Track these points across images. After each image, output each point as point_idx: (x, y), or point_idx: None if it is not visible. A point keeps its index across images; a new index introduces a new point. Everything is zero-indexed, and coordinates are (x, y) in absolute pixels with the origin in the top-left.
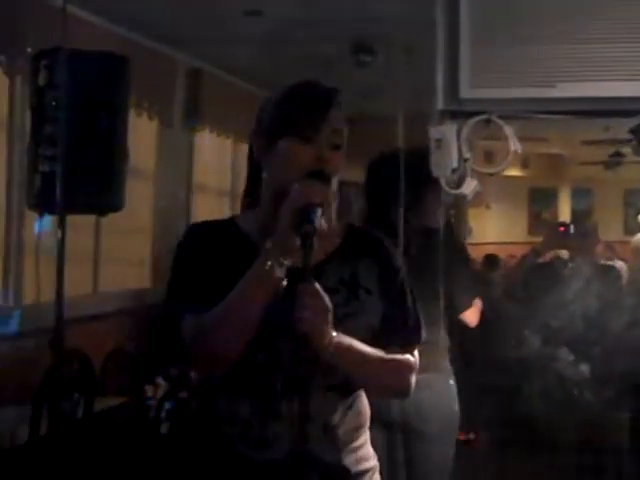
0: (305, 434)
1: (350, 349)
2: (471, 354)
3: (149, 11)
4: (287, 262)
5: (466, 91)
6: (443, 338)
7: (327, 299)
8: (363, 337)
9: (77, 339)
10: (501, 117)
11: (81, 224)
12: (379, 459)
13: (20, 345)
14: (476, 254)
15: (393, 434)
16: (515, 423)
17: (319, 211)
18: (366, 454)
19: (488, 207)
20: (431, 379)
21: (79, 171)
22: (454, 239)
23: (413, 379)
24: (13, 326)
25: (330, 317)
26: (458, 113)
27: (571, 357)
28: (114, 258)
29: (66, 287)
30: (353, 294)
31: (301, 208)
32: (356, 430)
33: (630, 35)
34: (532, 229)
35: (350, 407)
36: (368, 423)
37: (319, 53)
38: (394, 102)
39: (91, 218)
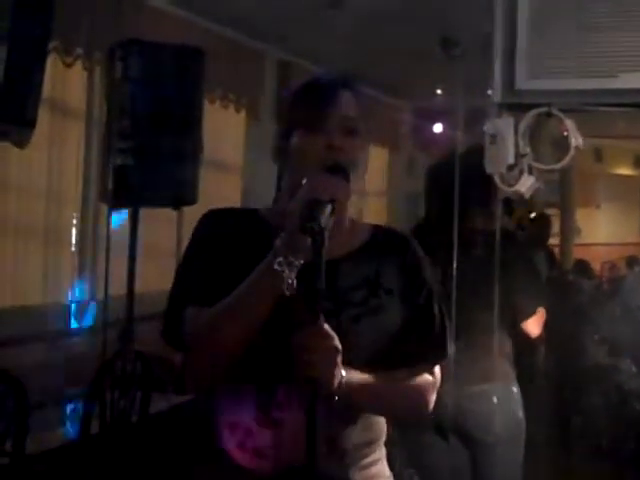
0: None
1: (361, 388)
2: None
3: (236, 3)
4: (297, 261)
5: (523, 82)
6: (502, 344)
7: (336, 340)
8: (379, 339)
9: (155, 334)
10: (562, 110)
11: (163, 219)
12: (444, 468)
13: (96, 339)
14: (585, 255)
15: (455, 443)
16: (574, 437)
17: (328, 208)
18: (379, 472)
19: (598, 207)
20: (490, 389)
21: (152, 164)
22: (521, 244)
23: (432, 398)
24: (88, 320)
25: (339, 358)
26: (515, 106)
27: (634, 369)
28: None
29: (145, 282)
30: (372, 293)
31: (309, 205)
32: (367, 445)
33: None
34: None
35: (360, 420)
36: (384, 438)
37: (409, 45)
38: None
39: (173, 212)
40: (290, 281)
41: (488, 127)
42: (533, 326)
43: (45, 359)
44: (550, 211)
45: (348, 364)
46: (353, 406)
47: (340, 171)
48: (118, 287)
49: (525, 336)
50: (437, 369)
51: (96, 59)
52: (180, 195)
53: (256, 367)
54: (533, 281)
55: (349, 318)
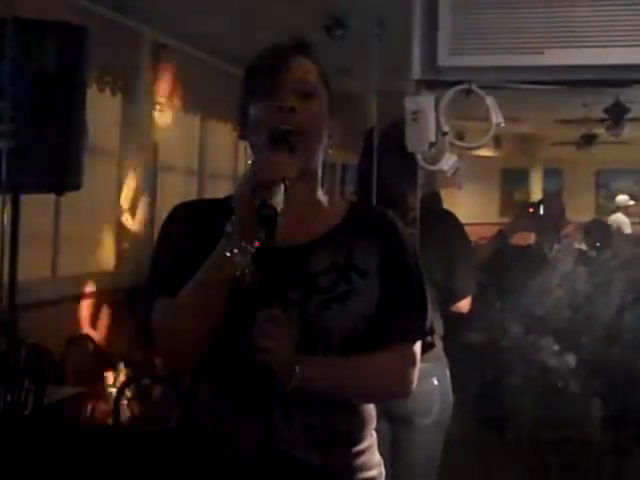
0: (275, 434)
1: (321, 375)
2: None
3: None
4: (250, 246)
5: (445, 58)
6: (439, 325)
7: (290, 326)
8: (352, 325)
9: (35, 325)
10: (483, 87)
11: (41, 204)
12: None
13: None
14: None
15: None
16: (495, 416)
17: (279, 187)
18: (367, 461)
19: (459, 188)
20: (430, 369)
21: (34, 148)
22: (456, 220)
23: (412, 377)
24: None
25: (293, 346)
26: (436, 83)
27: (556, 346)
28: (75, 240)
29: (23, 270)
30: (344, 277)
31: (257, 186)
32: (352, 433)
33: None
34: (504, 210)
35: (343, 406)
36: (373, 424)
37: (289, 27)
38: (366, 78)
39: (51, 198)
40: (244, 267)
41: (409, 103)
42: (466, 304)
43: None
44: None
45: (318, 351)
46: (314, 393)
47: (285, 142)
48: None
49: (454, 316)
50: (417, 347)
51: None
52: (64, 180)
53: (229, 348)
54: (471, 259)
55: (317, 305)
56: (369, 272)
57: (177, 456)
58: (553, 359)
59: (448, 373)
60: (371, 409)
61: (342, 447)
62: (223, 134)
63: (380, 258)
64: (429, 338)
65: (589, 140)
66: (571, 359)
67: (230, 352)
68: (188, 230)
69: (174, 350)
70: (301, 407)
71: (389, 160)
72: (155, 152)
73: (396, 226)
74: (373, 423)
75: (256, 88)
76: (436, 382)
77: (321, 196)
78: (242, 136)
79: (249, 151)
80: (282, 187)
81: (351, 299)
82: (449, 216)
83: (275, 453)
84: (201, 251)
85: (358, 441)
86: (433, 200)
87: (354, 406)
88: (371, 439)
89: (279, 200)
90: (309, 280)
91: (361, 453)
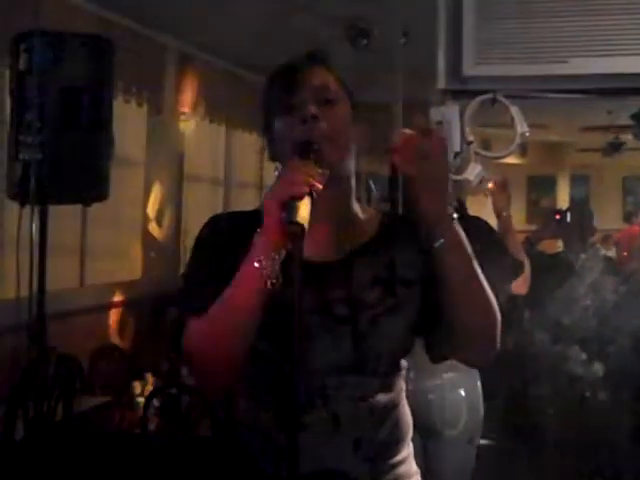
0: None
1: (464, 245)
2: None
3: None
4: (279, 256)
5: (470, 68)
6: None
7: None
8: (402, 338)
9: (63, 335)
10: (507, 97)
11: (68, 215)
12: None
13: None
14: None
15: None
16: (524, 425)
17: (306, 201)
18: (407, 471)
19: (486, 195)
20: (462, 379)
21: (62, 159)
22: (486, 224)
23: (498, 334)
24: None
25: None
26: (461, 92)
27: (583, 356)
28: (102, 250)
29: (51, 280)
30: (389, 290)
31: (284, 201)
32: (395, 444)
33: None
34: (530, 217)
35: (387, 418)
36: (410, 434)
37: (314, 37)
38: (392, 87)
39: (78, 208)
40: (273, 277)
41: (434, 114)
42: (522, 286)
43: None
44: None
45: (368, 367)
46: (444, 268)
47: (309, 153)
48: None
49: None
50: None
51: None
52: (91, 191)
53: (273, 364)
54: (507, 260)
55: (366, 321)
56: (412, 281)
57: (215, 470)
58: (580, 368)
59: (479, 385)
60: (409, 419)
61: (386, 458)
62: (248, 144)
63: (421, 265)
64: None
65: (616, 147)
66: (598, 368)
67: (276, 368)
68: (222, 243)
69: (208, 369)
70: (348, 421)
71: None
72: (181, 162)
73: None
74: (410, 433)
75: (277, 103)
76: (463, 393)
77: (356, 206)
78: (272, 157)
79: (278, 164)
80: (309, 201)
81: (400, 312)
82: (476, 219)
83: (322, 469)
84: (235, 264)
85: (398, 451)
86: (459, 207)
87: (396, 418)
88: (408, 449)
89: (305, 215)
90: (355, 295)
91: (401, 463)
